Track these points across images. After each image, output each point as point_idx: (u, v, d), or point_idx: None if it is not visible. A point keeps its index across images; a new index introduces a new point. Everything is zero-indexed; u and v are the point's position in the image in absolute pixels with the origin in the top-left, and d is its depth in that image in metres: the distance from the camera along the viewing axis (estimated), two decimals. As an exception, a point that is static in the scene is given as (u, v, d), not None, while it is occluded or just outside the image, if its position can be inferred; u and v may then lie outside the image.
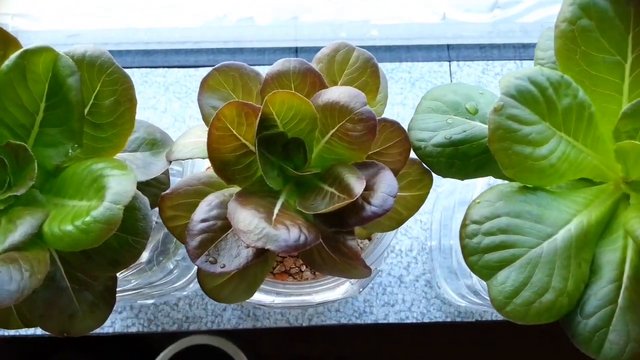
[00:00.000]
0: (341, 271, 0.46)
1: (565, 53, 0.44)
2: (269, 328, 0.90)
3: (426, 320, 0.89)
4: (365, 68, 0.48)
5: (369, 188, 0.44)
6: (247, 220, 0.40)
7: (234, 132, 0.43)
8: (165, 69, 0.97)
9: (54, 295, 0.47)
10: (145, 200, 0.45)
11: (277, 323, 0.88)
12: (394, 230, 0.53)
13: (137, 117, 0.93)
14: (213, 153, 0.43)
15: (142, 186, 0.51)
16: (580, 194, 0.45)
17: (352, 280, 0.59)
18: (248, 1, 1.00)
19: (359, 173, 0.43)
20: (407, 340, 1.19)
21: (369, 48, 1.04)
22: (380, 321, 0.89)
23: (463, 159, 0.48)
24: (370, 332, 1.18)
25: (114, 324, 0.88)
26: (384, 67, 0.98)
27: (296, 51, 1.00)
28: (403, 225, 0.91)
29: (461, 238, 0.43)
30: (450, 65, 0.99)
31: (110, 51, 1.00)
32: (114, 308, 0.88)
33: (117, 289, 0.69)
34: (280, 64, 0.45)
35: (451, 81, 0.98)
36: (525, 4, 1.00)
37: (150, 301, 0.87)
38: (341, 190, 0.43)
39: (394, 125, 0.46)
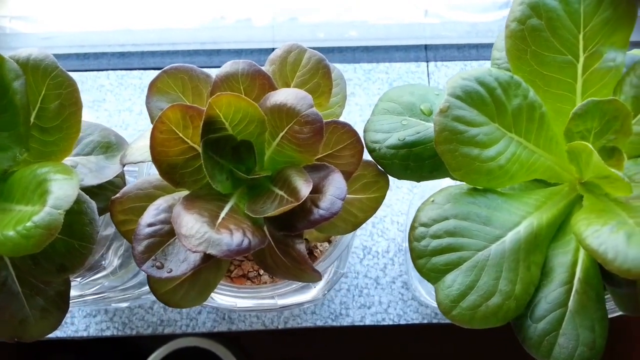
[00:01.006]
0: (293, 275, 0.46)
1: (516, 53, 0.44)
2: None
3: (403, 322, 0.88)
4: (317, 69, 0.47)
5: (318, 191, 0.43)
6: (190, 225, 0.39)
7: (181, 135, 0.43)
8: (141, 71, 0.97)
9: (5, 300, 0.47)
10: (93, 204, 0.45)
11: (252, 326, 0.88)
12: (352, 233, 0.52)
13: (112, 119, 0.93)
14: (158, 156, 0.42)
15: (95, 190, 0.50)
16: (533, 196, 0.45)
17: (315, 284, 0.58)
18: (226, 3, 1.00)
19: (307, 176, 0.43)
20: (384, 342, 1.18)
21: (347, 49, 1.04)
22: (356, 323, 0.88)
23: (417, 160, 0.47)
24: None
25: (88, 327, 0.88)
26: (362, 67, 0.98)
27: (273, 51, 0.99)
28: (380, 227, 0.91)
29: (409, 241, 0.42)
30: (427, 66, 0.99)
31: (86, 54, 1.00)
32: (89, 312, 0.89)
33: (86, 293, 0.69)
34: (228, 65, 0.45)
35: (429, 82, 0.97)
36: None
37: (125, 304, 0.87)
38: (289, 194, 0.43)
39: (345, 127, 0.45)
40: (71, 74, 1.01)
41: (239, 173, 0.44)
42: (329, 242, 0.56)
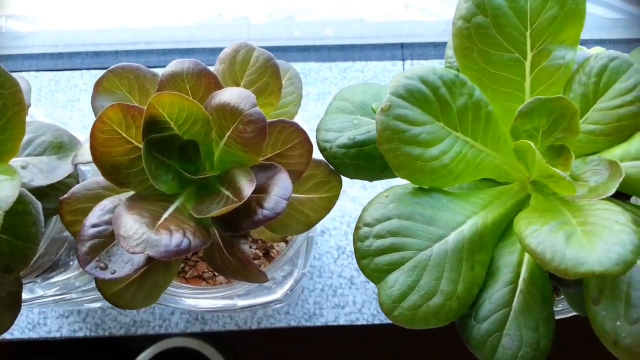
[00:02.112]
0: (241, 275, 0.45)
1: (463, 51, 0.43)
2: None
3: (377, 322, 0.88)
4: (265, 68, 0.47)
5: (263, 190, 0.43)
6: (128, 226, 0.39)
7: (124, 134, 0.42)
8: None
9: (-46, 302, 0.46)
10: (38, 205, 0.45)
11: (225, 326, 0.87)
12: (305, 233, 0.52)
13: (86, 119, 0.92)
14: (100, 157, 0.42)
15: (47, 190, 0.50)
16: (480, 195, 0.44)
17: (274, 284, 0.58)
18: (196, 2, 0.99)
19: (251, 176, 0.42)
20: (358, 342, 1.18)
21: (323, 47, 1.04)
22: (330, 323, 0.88)
23: (368, 159, 0.47)
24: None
25: (61, 328, 0.87)
26: (337, 66, 0.97)
27: (248, 51, 0.99)
28: (354, 227, 0.90)
29: (354, 241, 0.42)
30: (404, 64, 0.98)
31: (60, 53, 0.99)
32: (61, 312, 0.88)
33: (47, 294, 0.68)
34: (173, 64, 0.45)
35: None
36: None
37: (97, 305, 0.86)
38: (234, 194, 0.42)
39: (292, 126, 0.45)
40: (45, 74, 1.00)
41: (184, 173, 0.44)
42: (286, 242, 0.56)
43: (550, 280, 0.44)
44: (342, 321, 0.88)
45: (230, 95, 0.42)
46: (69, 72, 0.97)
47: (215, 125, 0.44)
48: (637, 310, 0.38)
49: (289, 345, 1.22)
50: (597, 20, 0.96)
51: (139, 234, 0.39)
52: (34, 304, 0.72)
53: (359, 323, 0.88)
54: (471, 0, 0.42)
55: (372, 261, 0.41)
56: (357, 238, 0.42)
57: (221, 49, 1.02)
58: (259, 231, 0.52)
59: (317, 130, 0.49)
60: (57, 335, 0.87)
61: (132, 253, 0.39)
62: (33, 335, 0.87)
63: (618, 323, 0.38)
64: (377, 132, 0.40)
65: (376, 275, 0.40)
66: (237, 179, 0.43)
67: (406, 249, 0.40)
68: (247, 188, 0.41)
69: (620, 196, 0.46)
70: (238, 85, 0.48)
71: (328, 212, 0.50)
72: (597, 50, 0.48)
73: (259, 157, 0.43)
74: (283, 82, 0.52)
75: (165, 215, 0.42)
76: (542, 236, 0.37)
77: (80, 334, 0.88)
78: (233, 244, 0.44)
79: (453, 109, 0.42)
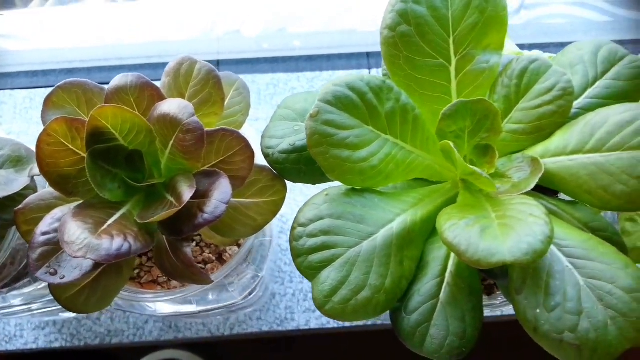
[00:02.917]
0: (188, 278, 0.47)
1: (390, 59, 0.46)
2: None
3: (347, 324, 0.90)
4: (207, 80, 0.49)
5: (205, 196, 0.45)
6: (72, 232, 0.41)
7: (70, 146, 0.45)
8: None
9: None
10: (-10, 216, 0.47)
11: (199, 334, 0.89)
12: (254, 237, 0.54)
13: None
14: (47, 168, 0.44)
15: (5, 202, 0.52)
16: (412, 194, 0.46)
17: (231, 288, 0.60)
18: (185, 16, 1.02)
19: (192, 182, 0.45)
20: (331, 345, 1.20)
21: (291, 58, 1.06)
22: (301, 327, 0.90)
23: (308, 164, 0.49)
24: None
25: (37, 340, 0.89)
26: (305, 76, 1.00)
27: (218, 64, 1.02)
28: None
29: (289, 241, 0.44)
30: (369, 73, 1.01)
31: (35, 71, 1.02)
32: (37, 324, 0.90)
33: (14, 304, 0.70)
34: (118, 79, 0.47)
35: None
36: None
37: (72, 315, 0.88)
38: (176, 199, 0.45)
39: (233, 134, 0.47)
40: (20, 91, 1.03)
41: (129, 181, 0.46)
42: (239, 246, 0.58)
43: (481, 273, 0.47)
44: (313, 325, 0.90)
45: (170, 106, 0.45)
46: (43, 89, 0.99)
47: (158, 135, 0.46)
48: (555, 298, 0.40)
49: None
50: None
51: (81, 240, 0.41)
52: (2, 315, 0.74)
53: (329, 326, 0.90)
54: (395, 10, 0.45)
55: (306, 259, 0.43)
56: (292, 238, 0.44)
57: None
58: (210, 236, 0.54)
59: (262, 137, 0.51)
60: (34, 346, 0.89)
61: (74, 257, 0.41)
62: (10, 347, 0.89)
63: (538, 311, 0.40)
64: (307, 136, 0.43)
65: (310, 272, 0.43)
66: (179, 185, 0.45)
67: (337, 247, 0.42)
68: (187, 193, 0.43)
69: (549, 192, 0.48)
70: (183, 96, 0.50)
71: (274, 215, 0.52)
72: (535, 54, 0.50)
73: (199, 164, 0.46)
74: (231, 93, 0.55)
75: (110, 221, 0.44)
76: (458, 230, 0.39)
77: (57, 344, 0.89)
78: (178, 247, 0.46)
79: (381, 113, 0.44)
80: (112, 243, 0.41)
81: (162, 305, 0.59)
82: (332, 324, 0.90)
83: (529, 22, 1.01)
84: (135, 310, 0.61)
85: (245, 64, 1.02)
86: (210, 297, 0.60)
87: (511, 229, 0.39)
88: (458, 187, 0.48)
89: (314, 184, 0.51)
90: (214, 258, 0.56)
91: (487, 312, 0.50)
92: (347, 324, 0.90)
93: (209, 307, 0.60)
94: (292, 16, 1.03)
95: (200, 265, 0.56)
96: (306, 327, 0.89)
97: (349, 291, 0.41)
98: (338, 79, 0.44)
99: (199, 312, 0.60)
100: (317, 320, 0.89)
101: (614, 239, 0.46)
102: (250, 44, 1.02)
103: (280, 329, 0.90)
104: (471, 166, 0.42)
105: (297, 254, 0.43)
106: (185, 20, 1.02)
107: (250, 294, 0.64)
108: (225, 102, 0.54)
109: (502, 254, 0.37)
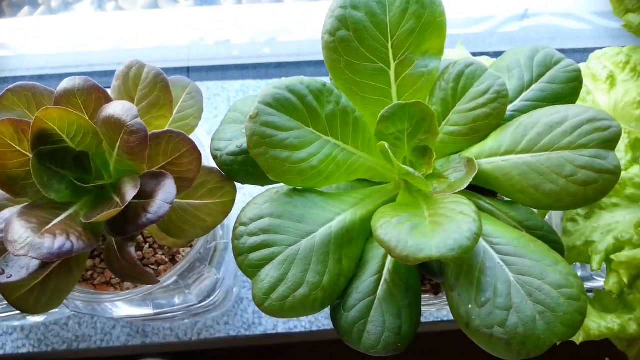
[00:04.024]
0: (135, 278, 0.48)
1: (331, 63, 0.47)
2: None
3: (314, 328, 0.91)
4: (155, 83, 0.50)
5: (150, 196, 0.46)
6: (15, 231, 0.42)
7: (17, 148, 0.45)
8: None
9: None
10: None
11: (166, 339, 0.89)
12: (204, 238, 0.55)
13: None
14: (-7, 169, 0.45)
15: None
16: (354, 194, 0.48)
17: (188, 290, 0.61)
18: (151, 26, 1.03)
19: (136, 182, 0.46)
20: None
21: (260, 65, 1.07)
22: (269, 332, 0.90)
23: (255, 166, 0.49)
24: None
25: (4, 345, 0.89)
26: (269, 83, 1.01)
27: (188, 70, 1.03)
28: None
29: (231, 240, 0.45)
30: (338, 80, 1.02)
31: (5, 78, 1.02)
32: (5, 330, 0.90)
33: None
34: (66, 82, 0.48)
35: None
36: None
37: (40, 319, 0.88)
38: (121, 200, 0.45)
39: (179, 136, 0.48)
40: None
41: (77, 182, 0.47)
42: (192, 247, 0.59)
43: (421, 271, 0.48)
44: (280, 329, 0.90)
45: (115, 108, 0.46)
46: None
47: (105, 137, 0.47)
48: (486, 294, 0.41)
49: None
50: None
51: (24, 238, 0.41)
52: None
53: (297, 330, 0.91)
54: (334, 16, 0.46)
55: (247, 257, 0.44)
56: (234, 236, 0.45)
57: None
58: (161, 237, 0.55)
59: (212, 140, 0.52)
60: (1, 352, 0.89)
61: (17, 256, 0.41)
62: (-23, 354, 0.89)
63: (470, 306, 0.41)
64: (247, 137, 0.44)
65: (250, 270, 0.43)
66: (124, 186, 0.46)
67: (276, 245, 0.43)
68: (130, 194, 0.44)
69: (489, 192, 0.49)
70: (133, 99, 0.51)
71: (225, 216, 0.53)
72: (486, 60, 0.52)
73: (144, 165, 0.47)
74: (183, 96, 0.56)
75: (55, 221, 0.45)
76: (390, 227, 0.40)
77: (24, 350, 0.89)
78: (124, 247, 0.47)
79: (322, 115, 0.45)
80: (55, 242, 0.42)
81: (121, 307, 0.59)
82: (300, 328, 0.90)
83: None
84: (97, 313, 0.62)
85: (215, 71, 1.03)
86: (173, 300, 0.61)
87: (440, 226, 0.40)
88: (400, 187, 0.49)
89: (262, 185, 0.52)
90: (167, 259, 0.57)
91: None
92: (314, 327, 0.90)
93: (166, 309, 0.61)
94: (261, 25, 1.05)
95: (153, 267, 0.56)
96: (273, 332, 0.90)
97: (286, 288, 0.42)
98: (279, 82, 0.45)
99: (155, 314, 0.61)
100: (284, 325, 0.90)
101: (549, 237, 0.47)
102: (220, 51, 1.03)
103: (247, 333, 0.90)
104: (404, 166, 0.43)
105: (238, 253, 0.44)
106: (158, 29, 1.03)
107: (208, 296, 0.65)
108: (177, 106, 0.55)
109: (429, 250, 0.38)
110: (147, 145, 0.45)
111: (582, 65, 0.63)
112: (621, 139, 0.57)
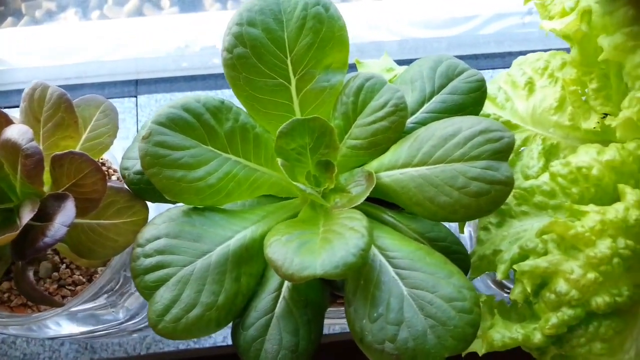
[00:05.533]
0: (39, 300, 0.48)
1: (231, 80, 0.47)
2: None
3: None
4: (59, 104, 0.50)
5: (50, 219, 0.46)
6: None
7: None
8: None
9: None
10: None
11: (114, 354, 0.89)
12: (116, 257, 0.55)
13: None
14: None
15: None
16: (258, 211, 0.47)
17: (114, 308, 0.60)
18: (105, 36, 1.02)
19: (34, 205, 0.45)
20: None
21: (209, 76, 1.07)
22: (218, 344, 0.90)
23: (162, 184, 0.49)
24: None
25: (-51, 366, 0.88)
26: (224, 94, 1.01)
27: (136, 83, 1.02)
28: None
29: (130, 261, 0.45)
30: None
31: None
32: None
33: None
34: (-35, 106, 0.47)
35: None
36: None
37: (-15, 340, 0.87)
38: (20, 223, 0.45)
39: (82, 157, 0.48)
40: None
41: (-23, 207, 0.47)
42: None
43: (326, 286, 0.48)
44: (229, 341, 0.90)
45: (12, 132, 0.45)
46: (7, 109, 0.99)
47: (5, 160, 0.47)
48: (379, 309, 0.41)
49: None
50: None
51: None
52: None
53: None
54: (231, 33, 0.46)
55: (143, 279, 0.43)
56: (131, 258, 0.44)
57: (109, 83, 1.06)
58: (74, 258, 0.54)
59: (122, 158, 0.52)
60: (-54, 373, 0.88)
61: None
62: None
63: (364, 321, 0.41)
64: (140, 158, 0.43)
65: (147, 292, 0.43)
66: (22, 209, 0.45)
67: (171, 266, 0.43)
68: (26, 217, 0.44)
69: (395, 206, 0.49)
70: (39, 121, 0.51)
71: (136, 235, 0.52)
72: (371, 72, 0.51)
73: (43, 187, 0.46)
74: (97, 115, 0.55)
75: (-49, 247, 0.44)
76: (278, 246, 0.40)
77: (-30, 370, 0.88)
78: (23, 271, 0.46)
79: (220, 133, 0.45)
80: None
81: (51, 326, 0.59)
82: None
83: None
84: (33, 333, 0.61)
85: (163, 83, 1.03)
86: (94, 318, 0.60)
87: (329, 242, 0.40)
88: (307, 202, 0.49)
89: (174, 203, 0.51)
90: (84, 280, 0.57)
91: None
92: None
93: (91, 329, 0.61)
94: (210, 35, 1.05)
95: (70, 287, 0.56)
96: (223, 344, 0.90)
97: (180, 310, 0.42)
98: (174, 101, 0.45)
99: (80, 333, 0.60)
100: (234, 336, 0.90)
101: (452, 248, 0.47)
102: (168, 63, 1.03)
103: (197, 346, 0.90)
104: (296, 183, 0.43)
105: (135, 275, 0.44)
106: (103, 41, 1.02)
107: (137, 313, 0.65)
108: (91, 124, 0.55)
109: (314, 268, 0.38)
110: (42, 168, 0.45)
111: (505, 72, 0.63)
112: (535, 146, 0.57)
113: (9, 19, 1.10)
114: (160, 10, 1.11)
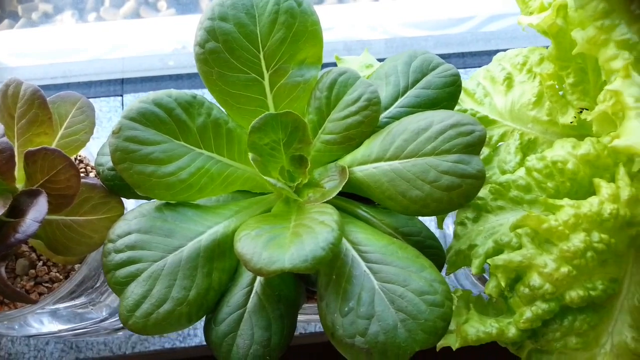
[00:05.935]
0: (12, 297, 0.47)
1: (204, 75, 0.47)
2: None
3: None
4: (32, 100, 0.50)
5: (22, 215, 0.46)
6: None
7: None
8: None
9: None
10: None
11: (100, 353, 0.88)
12: (93, 253, 0.54)
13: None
14: None
15: None
16: (231, 206, 0.47)
17: (94, 307, 0.60)
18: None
19: (5, 202, 0.45)
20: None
21: (195, 75, 1.06)
22: (204, 343, 0.90)
23: (137, 180, 0.49)
24: None
25: None
26: (206, 93, 1.01)
27: (122, 82, 1.02)
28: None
29: (102, 257, 0.44)
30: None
31: None
32: None
33: None
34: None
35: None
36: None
37: (-29, 340, 0.87)
38: (-9, 220, 0.45)
39: (55, 153, 0.48)
40: None
41: (-51, 203, 0.46)
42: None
43: (300, 282, 0.47)
44: (216, 340, 0.90)
45: (-17, 128, 0.45)
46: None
47: (-21, 157, 0.47)
48: (349, 303, 0.41)
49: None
50: None
51: None
52: None
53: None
54: (203, 28, 0.46)
55: (114, 275, 0.43)
56: (103, 254, 0.44)
57: (95, 82, 1.05)
58: (50, 254, 0.54)
59: (97, 155, 0.52)
60: None
61: None
62: None
63: (335, 316, 0.41)
64: (110, 154, 0.43)
65: (118, 287, 0.43)
66: (-6, 205, 0.45)
67: (142, 261, 0.43)
68: (-5, 214, 0.44)
69: (369, 200, 0.49)
70: (13, 117, 0.51)
71: (113, 232, 0.52)
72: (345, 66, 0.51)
73: (15, 183, 0.46)
74: (73, 111, 0.55)
75: None
76: (247, 240, 0.40)
77: (-46, 371, 0.88)
78: (-3, 267, 0.46)
79: (192, 128, 0.45)
80: None
81: (33, 324, 0.59)
82: (235, 338, 0.90)
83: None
84: (13, 331, 0.61)
85: (149, 82, 1.03)
86: (79, 316, 0.60)
87: (299, 237, 0.40)
88: (281, 197, 0.49)
89: (149, 199, 0.51)
90: (61, 277, 0.56)
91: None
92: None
93: (72, 325, 0.60)
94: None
95: (47, 284, 0.56)
96: (209, 342, 0.90)
97: (150, 305, 0.42)
98: (146, 96, 0.45)
99: (62, 330, 0.60)
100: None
101: (426, 243, 0.47)
102: (155, 62, 1.03)
103: (183, 345, 0.89)
104: (267, 178, 0.43)
105: (106, 270, 0.43)
106: (91, 41, 1.02)
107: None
108: (67, 121, 0.55)
109: (282, 262, 0.38)
110: (14, 164, 0.45)
111: (484, 68, 0.63)
112: (512, 141, 0.57)
113: (6, 21, 1.10)
114: (157, 12, 1.11)
